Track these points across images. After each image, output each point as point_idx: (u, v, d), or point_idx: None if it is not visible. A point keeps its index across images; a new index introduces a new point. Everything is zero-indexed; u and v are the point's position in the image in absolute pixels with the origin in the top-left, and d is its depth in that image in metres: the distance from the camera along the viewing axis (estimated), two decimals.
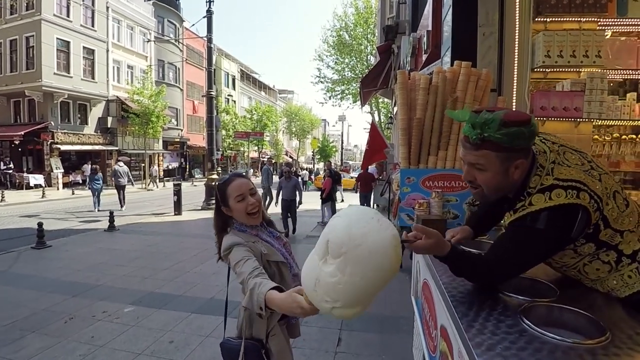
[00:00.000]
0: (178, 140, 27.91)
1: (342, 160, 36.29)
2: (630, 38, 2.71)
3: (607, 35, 2.65)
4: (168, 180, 24.11)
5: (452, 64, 2.50)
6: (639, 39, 2.69)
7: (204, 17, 11.23)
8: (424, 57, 4.10)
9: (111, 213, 8.60)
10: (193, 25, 18.23)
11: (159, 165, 25.34)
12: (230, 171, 34.74)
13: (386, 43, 9.43)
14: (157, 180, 22.10)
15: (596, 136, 2.77)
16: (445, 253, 1.24)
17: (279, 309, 1.22)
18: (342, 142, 37.83)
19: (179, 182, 11.67)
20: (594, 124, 2.56)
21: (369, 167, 11.62)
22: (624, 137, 2.71)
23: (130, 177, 12.64)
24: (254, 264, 1.43)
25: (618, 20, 2.57)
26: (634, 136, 2.71)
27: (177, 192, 10.86)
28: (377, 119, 24.65)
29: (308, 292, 1.09)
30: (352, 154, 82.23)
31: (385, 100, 20.94)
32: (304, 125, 45.30)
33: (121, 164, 12.40)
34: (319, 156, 38.03)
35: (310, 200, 12.57)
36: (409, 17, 8.06)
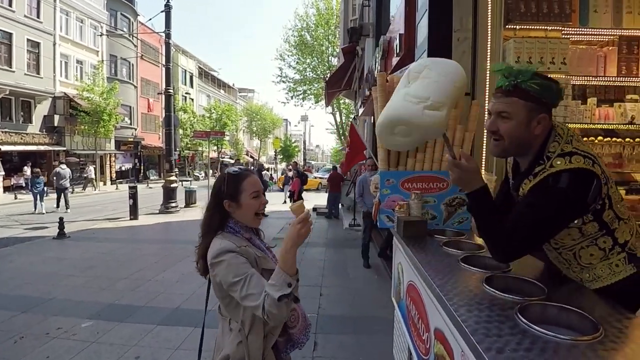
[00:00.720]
0: (132, 139, 26.49)
1: (305, 160, 36.30)
2: (590, 47, 2.92)
3: (570, 43, 2.85)
4: (121, 183, 22.79)
5: None
6: (598, 47, 2.90)
7: (162, 11, 10.73)
8: (395, 59, 4.18)
9: (61, 219, 7.93)
10: (149, 20, 17.42)
11: (110, 167, 23.88)
12: (188, 173, 33.72)
13: (350, 45, 9.54)
14: (95, 183, 20.28)
15: None
16: (477, 187, 1.35)
17: (288, 252, 1.28)
18: (305, 142, 37.83)
19: (135, 185, 11.03)
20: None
21: (337, 167, 11.79)
22: (585, 139, 2.91)
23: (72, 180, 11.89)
24: (262, 282, 1.30)
25: (580, 29, 2.77)
26: (593, 138, 2.92)
27: (133, 195, 10.28)
28: (338, 119, 24.94)
29: (399, 110, 1.42)
30: (315, 154, 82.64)
31: (347, 101, 21.21)
32: (265, 124, 44.79)
33: (63, 166, 11.76)
34: (282, 156, 37.77)
35: (273, 202, 12.42)
36: (373, 19, 8.21)
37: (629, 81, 2.93)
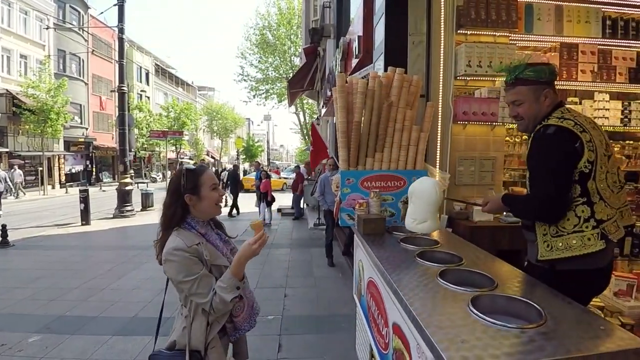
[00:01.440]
0: (83, 140, 24.88)
1: (268, 160, 35.91)
2: (535, 52, 3.12)
3: (516, 48, 3.04)
4: (71, 186, 21.34)
5: (385, 69, 2.61)
6: (542, 53, 3.11)
7: (114, 5, 10.17)
8: (355, 60, 4.25)
9: (3, 227, 7.23)
10: (101, 13, 16.40)
11: (59, 169, 22.30)
12: (145, 175, 32.27)
13: (312, 45, 9.56)
14: (22, 187, 17.45)
15: (508, 138, 3.14)
16: (501, 205, 1.70)
17: (241, 264, 1.47)
18: (268, 142, 37.41)
19: (86, 188, 10.37)
20: (507, 127, 2.90)
21: (301, 167, 11.76)
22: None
23: (10, 185, 10.84)
24: (211, 282, 1.48)
25: (525, 36, 2.96)
26: None
27: (84, 199, 9.66)
28: (302, 119, 24.93)
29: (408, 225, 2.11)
30: (279, 153, 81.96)
31: (310, 101, 21.25)
32: (227, 124, 43.82)
33: None
34: (244, 156, 37.13)
35: (244, 202, 12.21)
36: (334, 20, 8.28)
37: (569, 85, 3.17)
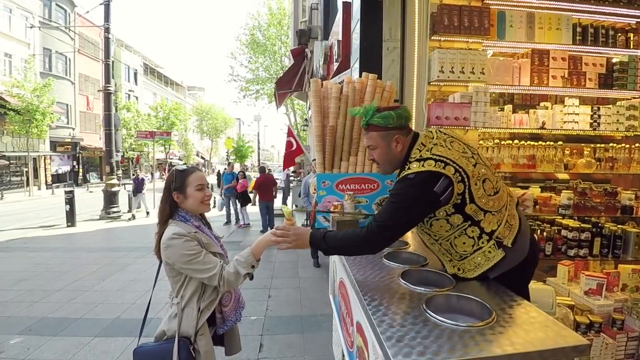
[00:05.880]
0: (69, 140, 24.51)
1: (259, 160, 35.77)
2: (507, 58, 3.21)
3: (489, 55, 3.12)
4: (58, 187, 21.01)
5: (360, 75, 2.67)
6: (514, 59, 3.20)
7: (100, 3, 10.08)
8: (335, 65, 4.30)
9: None
10: (88, 12, 16.06)
11: (45, 170, 21.95)
12: (133, 174, 31.77)
13: (300, 47, 9.60)
14: None
15: (481, 142, 3.23)
16: (308, 238, 1.60)
17: (261, 246, 1.63)
18: (259, 142, 37.26)
19: (72, 189, 10.25)
20: (479, 131, 2.99)
21: (291, 168, 11.63)
22: (502, 142, 3.20)
23: None
24: (214, 258, 1.63)
25: (497, 42, 3.04)
26: (510, 142, 3.21)
27: (70, 200, 9.57)
28: (292, 120, 24.93)
29: None
30: (270, 154, 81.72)
31: (301, 102, 21.27)
32: (217, 124, 43.55)
33: None
34: (235, 157, 36.95)
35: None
36: (321, 22, 8.33)
37: (540, 90, 3.27)
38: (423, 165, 1.46)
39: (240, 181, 9.48)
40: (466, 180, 1.46)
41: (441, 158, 1.46)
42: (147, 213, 11.46)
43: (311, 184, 2.70)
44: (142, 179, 11.29)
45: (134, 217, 11.04)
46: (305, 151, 7.50)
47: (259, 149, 38.24)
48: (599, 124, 3.24)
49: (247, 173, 10.84)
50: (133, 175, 12.01)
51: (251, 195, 9.43)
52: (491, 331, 1.13)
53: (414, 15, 2.75)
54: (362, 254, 1.79)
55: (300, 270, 5.86)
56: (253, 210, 9.69)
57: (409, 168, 1.51)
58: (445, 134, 1.61)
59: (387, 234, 1.48)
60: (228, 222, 10.17)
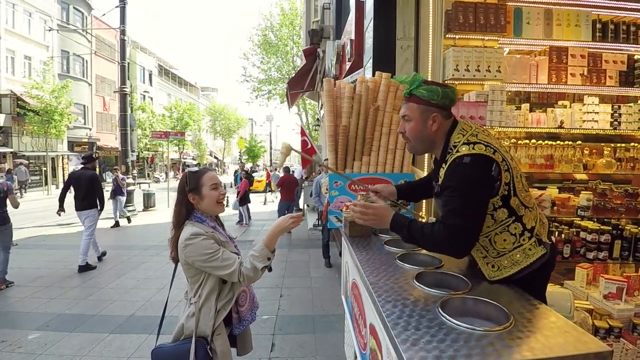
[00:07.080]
0: (86, 140, 25.10)
1: (271, 160, 35.97)
2: (524, 56, 3.14)
3: (505, 52, 3.05)
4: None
5: (373, 74, 2.64)
6: (532, 56, 3.12)
7: (116, 6, 10.27)
8: (348, 64, 4.28)
9: None
10: (104, 14, 16.42)
11: (63, 169, 22.48)
12: (148, 175, 32.43)
13: (312, 46, 9.60)
14: (25, 187, 17.40)
15: None
16: (389, 223, 1.55)
17: (275, 236, 1.67)
18: (271, 142, 37.46)
19: None
20: (495, 130, 2.93)
21: (301, 170, 11.64)
22: (519, 142, 3.14)
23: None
24: (233, 255, 1.63)
25: (514, 40, 2.98)
26: (527, 141, 3.14)
27: None
28: (304, 120, 24.97)
29: None
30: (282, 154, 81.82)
31: (312, 102, 21.28)
32: (230, 124, 43.93)
33: None
34: (247, 156, 37.22)
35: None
36: (334, 22, 8.31)
37: (558, 89, 3.18)
38: (473, 148, 1.40)
39: (242, 180, 9.61)
40: (510, 170, 1.42)
41: (489, 144, 1.41)
42: (128, 219, 10.38)
43: (323, 184, 2.68)
44: (123, 179, 9.89)
45: (117, 224, 9.74)
46: (317, 151, 7.51)
47: (271, 148, 38.46)
48: (619, 123, 3.15)
49: (272, 172, 10.85)
50: (112, 175, 10.29)
51: (270, 194, 9.55)
52: (509, 336, 1.10)
53: (428, 13, 2.71)
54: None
55: (312, 270, 5.86)
56: (262, 209, 9.76)
57: (457, 151, 1.43)
58: (478, 125, 1.57)
59: (464, 233, 1.39)
60: (240, 221, 10.27)
